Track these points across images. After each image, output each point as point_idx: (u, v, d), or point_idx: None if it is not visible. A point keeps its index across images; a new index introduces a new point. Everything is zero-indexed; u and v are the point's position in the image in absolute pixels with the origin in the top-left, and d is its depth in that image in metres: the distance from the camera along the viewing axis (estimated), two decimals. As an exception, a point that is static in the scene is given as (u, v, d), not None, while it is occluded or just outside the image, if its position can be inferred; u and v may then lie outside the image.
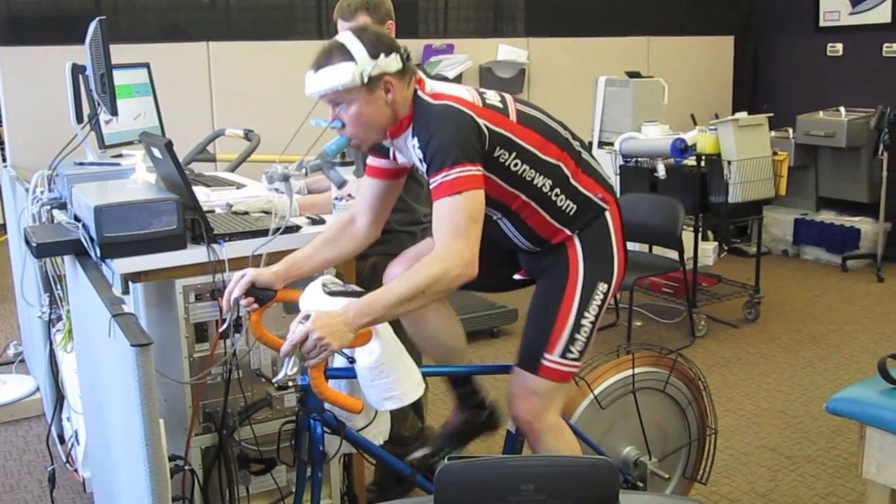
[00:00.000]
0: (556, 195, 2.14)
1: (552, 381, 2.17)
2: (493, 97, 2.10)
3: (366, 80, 1.96)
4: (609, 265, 2.21)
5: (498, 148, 2.03)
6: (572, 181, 2.16)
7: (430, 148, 1.95)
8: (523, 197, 2.12)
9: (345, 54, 1.96)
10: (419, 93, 2.05)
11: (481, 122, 2.00)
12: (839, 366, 4.29)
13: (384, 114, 2.02)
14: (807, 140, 6.14)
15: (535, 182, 2.11)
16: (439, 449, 2.48)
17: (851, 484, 3.13)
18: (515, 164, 2.07)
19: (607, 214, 2.22)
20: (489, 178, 2.03)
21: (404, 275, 1.96)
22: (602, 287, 2.18)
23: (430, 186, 1.96)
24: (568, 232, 2.18)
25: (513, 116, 2.09)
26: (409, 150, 2.07)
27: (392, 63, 1.98)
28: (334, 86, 1.96)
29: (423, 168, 2.04)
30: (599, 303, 2.18)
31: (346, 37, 2.00)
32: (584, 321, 2.16)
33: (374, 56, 1.96)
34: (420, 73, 2.10)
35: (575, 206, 2.17)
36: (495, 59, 5.99)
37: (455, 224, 1.92)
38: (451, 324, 2.47)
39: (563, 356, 2.16)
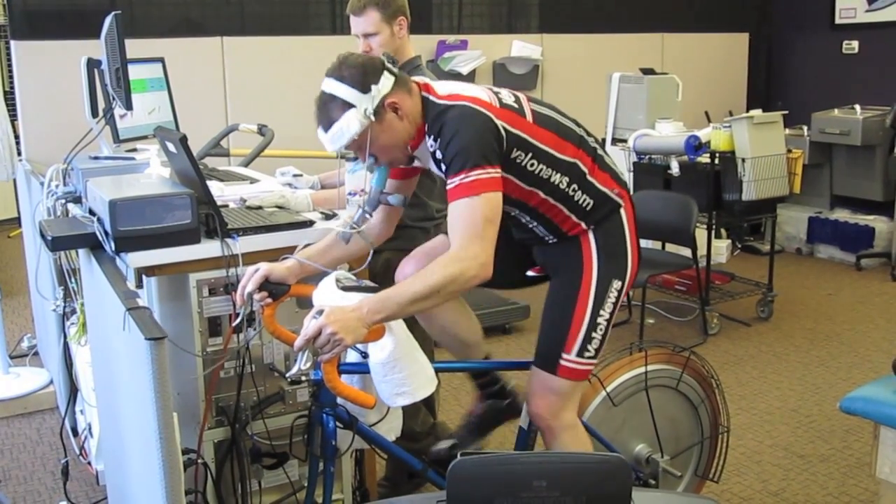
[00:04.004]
0: (574, 191, 2.14)
1: (570, 380, 2.18)
2: (507, 97, 2.09)
3: (372, 116, 1.96)
4: (623, 263, 2.20)
5: (515, 149, 2.03)
6: (589, 177, 2.15)
7: (451, 149, 1.95)
8: (541, 194, 2.12)
9: (339, 104, 1.97)
10: (431, 98, 2.05)
11: (500, 123, 1.99)
12: (853, 365, 4.27)
13: (403, 129, 2.03)
14: (821, 138, 6.11)
15: (552, 180, 2.11)
16: (464, 438, 2.48)
17: (865, 484, 3.12)
18: (532, 164, 2.07)
19: (622, 211, 2.21)
20: (507, 178, 2.02)
21: (419, 273, 1.95)
22: (616, 284, 2.18)
23: (448, 187, 1.96)
24: (584, 225, 2.18)
25: (528, 117, 2.08)
26: (427, 155, 2.07)
27: (385, 84, 1.98)
28: (349, 137, 1.98)
29: (439, 170, 2.04)
30: (614, 300, 2.18)
31: (330, 85, 1.99)
32: (599, 319, 2.16)
33: (366, 90, 1.96)
34: (425, 78, 2.09)
35: (592, 202, 2.16)
36: (509, 55, 5.98)
37: (472, 225, 1.92)
38: (465, 318, 2.47)
39: (580, 355, 2.16)
